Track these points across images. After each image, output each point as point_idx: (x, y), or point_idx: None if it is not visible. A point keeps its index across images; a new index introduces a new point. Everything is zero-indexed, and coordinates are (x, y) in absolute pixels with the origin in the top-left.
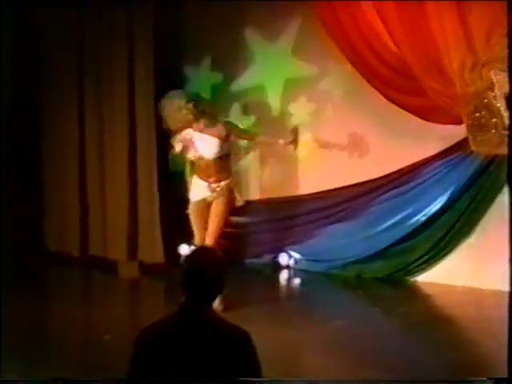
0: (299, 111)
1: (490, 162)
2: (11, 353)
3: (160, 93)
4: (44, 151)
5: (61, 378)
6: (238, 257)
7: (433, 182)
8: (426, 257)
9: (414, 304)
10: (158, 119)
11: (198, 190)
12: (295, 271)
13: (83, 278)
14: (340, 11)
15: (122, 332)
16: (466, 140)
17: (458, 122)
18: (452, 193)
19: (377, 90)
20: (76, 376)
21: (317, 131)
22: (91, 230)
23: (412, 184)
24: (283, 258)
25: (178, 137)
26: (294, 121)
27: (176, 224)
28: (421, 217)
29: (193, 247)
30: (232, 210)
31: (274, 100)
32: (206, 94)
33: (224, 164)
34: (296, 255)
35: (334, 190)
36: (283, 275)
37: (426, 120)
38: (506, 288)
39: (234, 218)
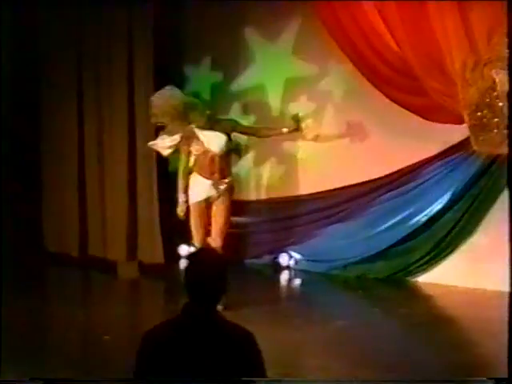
0: (299, 111)
1: (492, 161)
2: (11, 353)
3: None
4: (43, 151)
5: (61, 378)
6: (238, 257)
7: (434, 182)
8: (426, 257)
9: (415, 305)
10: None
11: (200, 188)
12: (295, 272)
13: (82, 279)
14: (340, 11)
15: (121, 332)
16: (468, 140)
17: (460, 122)
18: (453, 193)
19: (378, 89)
20: (76, 376)
21: (317, 131)
22: (90, 230)
23: (413, 184)
24: (283, 259)
25: (166, 139)
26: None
27: (176, 224)
28: (422, 217)
29: (192, 248)
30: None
31: (274, 100)
32: (205, 94)
33: (227, 161)
34: (296, 256)
35: (335, 190)
36: (283, 276)
37: (428, 120)
38: (507, 288)
39: (234, 218)
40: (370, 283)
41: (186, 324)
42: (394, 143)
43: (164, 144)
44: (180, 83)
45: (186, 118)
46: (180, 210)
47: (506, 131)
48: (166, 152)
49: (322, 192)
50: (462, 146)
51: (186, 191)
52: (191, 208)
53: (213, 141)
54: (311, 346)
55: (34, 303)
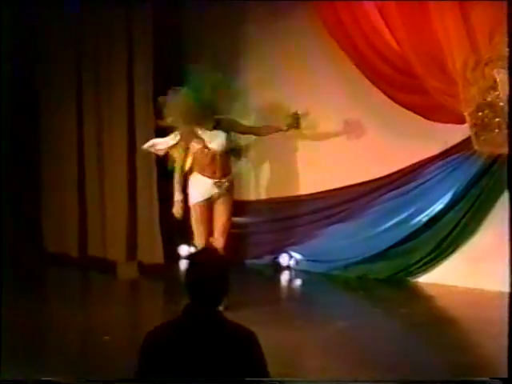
0: (298, 109)
1: (493, 161)
2: (11, 353)
3: (159, 93)
4: (43, 151)
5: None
6: (238, 257)
7: (435, 182)
8: (427, 258)
9: (416, 305)
10: (158, 117)
11: (202, 188)
12: (296, 272)
13: (82, 279)
14: (341, 11)
15: (121, 333)
16: (469, 140)
17: (461, 122)
18: (454, 193)
19: (379, 88)
20: (75, 376)
21: (317, 131)
22: (90, 230)
23: (414, 184)
24: (284, 259)
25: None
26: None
27: (176, 224)
28: (423, 217)
29: (193, 248)
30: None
31: (274, 99)
32: (205, 94)
33: (228, 160)
34: (297, 256)
35: (335, 190)
36: (284, 276)
37: (429, 119)
38: (507, 289)
39: (235, 219)
40: (371, 283)
41: (188, 325)
42: (394, 143)
43: (163, 145)
44: (180, 83)
45: (196, 119)
46: (176, 210)
47: (507, 131)
48: (161, 152)
49: (322, 192)
50: (463, 145)
51: (182, 190)
52: (192, 208)
53: (214, 139)
54: (312, 346)
55: (34, 303)
